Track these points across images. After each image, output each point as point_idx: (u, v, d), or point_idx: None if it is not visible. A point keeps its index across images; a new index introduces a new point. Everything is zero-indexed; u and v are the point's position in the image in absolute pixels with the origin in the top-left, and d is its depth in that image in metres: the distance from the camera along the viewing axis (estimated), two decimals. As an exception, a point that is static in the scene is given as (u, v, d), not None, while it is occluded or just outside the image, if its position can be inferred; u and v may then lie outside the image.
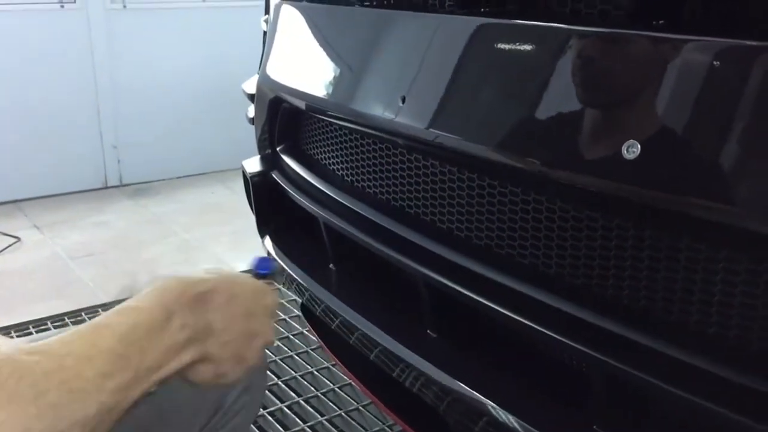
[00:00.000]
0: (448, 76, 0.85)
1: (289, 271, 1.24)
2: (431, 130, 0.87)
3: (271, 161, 1.40)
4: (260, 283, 0.75)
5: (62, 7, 3.13)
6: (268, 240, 1.37)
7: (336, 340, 1.18)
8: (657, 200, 0.65)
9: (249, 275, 0.77)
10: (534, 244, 0.85)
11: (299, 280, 1.19)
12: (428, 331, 0.98)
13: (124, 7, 3.27)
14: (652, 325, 0.71)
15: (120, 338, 0.59)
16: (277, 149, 1.40)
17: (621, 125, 0.67)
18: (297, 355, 1.90)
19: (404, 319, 1.02)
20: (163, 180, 3.47)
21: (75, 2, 3.15)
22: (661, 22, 0.68)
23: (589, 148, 0.69)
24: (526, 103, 0.77)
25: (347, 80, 1.07)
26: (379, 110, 0.96)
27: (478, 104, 0.82)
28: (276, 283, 0.80)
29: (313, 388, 1.75)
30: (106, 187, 3.42)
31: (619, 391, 0.74)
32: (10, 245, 2.68)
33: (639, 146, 0.64)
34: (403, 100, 0.90)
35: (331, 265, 1.20)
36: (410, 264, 0.94)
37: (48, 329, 2.02)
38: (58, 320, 2.07)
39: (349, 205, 1.12)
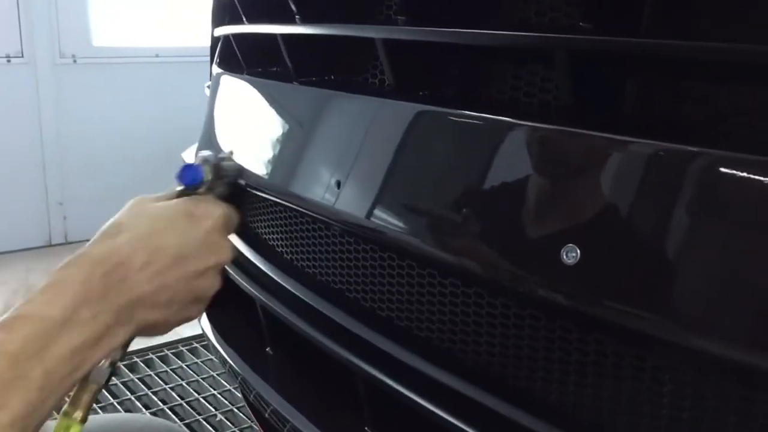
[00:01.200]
0: (385, 162, 0.80)
1: (222, 353, 1.17)
2: (368, 217, 0.82)
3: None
4: (176, 204, 0.67)
5: (9, 61, 3.06)
6: (204, 318, 1.30)
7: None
8: (596, 308, 0.60)
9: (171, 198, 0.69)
10: (475, 341, 0.80)
11: (231, 363, 1.12)
12: (366, 428, 0.92)
13: (75, 61, 3.21)
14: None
15: (9, 360, 0.50)
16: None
17: (559, 227, 0.63)
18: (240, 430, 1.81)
19: (342, 414, 0.95)
20: (111, 237, 3.36)
21: (23, 56, 3.08)
22: (600, 119, 0.65)
23: (527, 250, 0.65)
24: (459, 197, 0.73)
25: (283, 158, 1.02)
26: (315, 192, 0.91)
27: (411, 195, 0.78)
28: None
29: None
30: (51, 245, 3.30)
31: None
32: (-59, 309, 2.55)
33: (578, 251, 0.60)
34: (338, 185, 0.85)
35: (267, 349, 1.13)
36: (345, 355, 0.89)
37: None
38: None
39: (285, 285, 1.06)
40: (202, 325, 1.29)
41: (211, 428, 1.81)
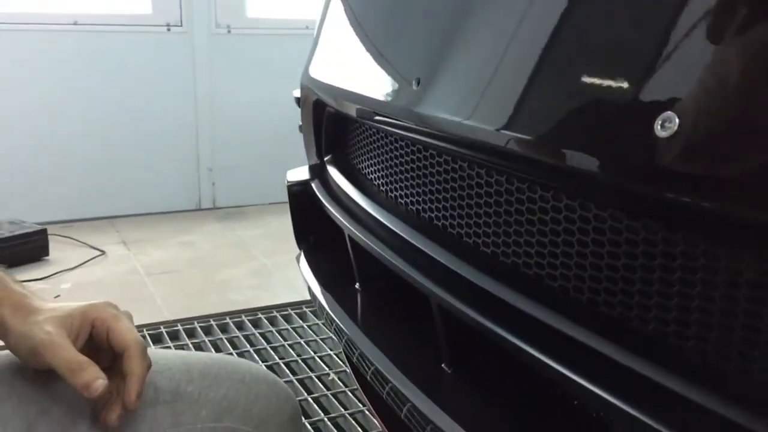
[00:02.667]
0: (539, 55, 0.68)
1: (312, 288, 1.10)
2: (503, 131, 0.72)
3: (315, 172, 1.28)
4: None
5: (169, 30, 3.20)
6: (302, 257, 1.24)
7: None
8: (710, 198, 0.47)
9: None
10: (564, 263, 0.67)
11: (319, 297, 1.05)
12: (442, 365, 0.82)
13: (229, 31, 3.30)
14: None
15: None
16: (325, 159, 1.29)
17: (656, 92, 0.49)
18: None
19: (420, 349, 0.86)
20: (255, 205, 3.45)
21: (181, 26, 3.22)
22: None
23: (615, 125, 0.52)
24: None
25: (392, 71, 0.93)
26: (403, 98, 0.82)
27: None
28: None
29: None
30: (200, 209, 3.43)
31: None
32: (93, 257, 2.70)
33: (677, 120, 0.47)
34: (415, 84, 0.75)
35: (356, 285, 1.06)
36: (420, 280, 0.79)
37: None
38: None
39: (372, 211, 0.98)
40: (300, 265, 1.24)
41: (301, 387, 1.77)
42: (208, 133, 3.37)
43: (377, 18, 0.99)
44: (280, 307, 2.24)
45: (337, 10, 1.13)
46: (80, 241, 2.86)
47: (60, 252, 2.74)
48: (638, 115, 0.50)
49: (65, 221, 3.11)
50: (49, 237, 2.72)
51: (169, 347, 1.98)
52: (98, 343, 0.70)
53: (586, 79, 0.56)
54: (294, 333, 2.09)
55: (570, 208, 0.66)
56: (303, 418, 1.61)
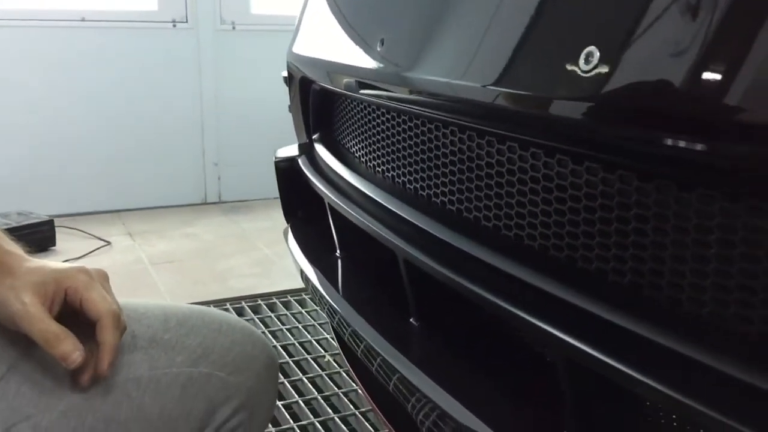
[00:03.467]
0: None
1: (296, 259, 1.14)
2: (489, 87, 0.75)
3: (303, 149, 1.32)
4: None
5: (174, 26, 3.25)
6: (289, 231, 1.28)
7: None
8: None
9: None
10: (532, 215, 0.70)
11: (301, 266, 1.09)
12: (411, 320, 0.85)
13: (233, 28, 3.35)
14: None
15: None
16: (313, 138, 1.32)
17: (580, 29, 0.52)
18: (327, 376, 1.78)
19: (391, 306, 0.89)
20: (261, 199, 3.49)
21: (187, 22, 3.27)
22: None
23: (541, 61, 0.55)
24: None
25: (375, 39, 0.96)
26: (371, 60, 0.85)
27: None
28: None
29: (330, 411, 1.62)
30: (205, 203, 3.48)
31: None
32: (99, 248, 2.75)
33: (598, 53, 0.49)
34: (384, 44, 0.78)
35: (337, 253, 1.09)
36: (387, 237, 0.82)
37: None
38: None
39: (358, 185, 1.01)
40: (288, 239, 1.27)
41: (296, 367, 1.81)
42: (213, 128, 3.42)
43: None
44: (279, 294, 2.28)
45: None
46: (87, 233, 2.91)
47: (67, 243, 2.79)
48: (565, 51, 0.53)
49: (73, 214, 3.16)
50: (56, 228, 2.77)
51: (169, 331, 2.02)
52: (74, 308, 0.71)
53: (525, 25, 0.59)
54: (293, 318, 2.12)
55: (523, 159, 0.68)
56: (286, 381, 1.66)
